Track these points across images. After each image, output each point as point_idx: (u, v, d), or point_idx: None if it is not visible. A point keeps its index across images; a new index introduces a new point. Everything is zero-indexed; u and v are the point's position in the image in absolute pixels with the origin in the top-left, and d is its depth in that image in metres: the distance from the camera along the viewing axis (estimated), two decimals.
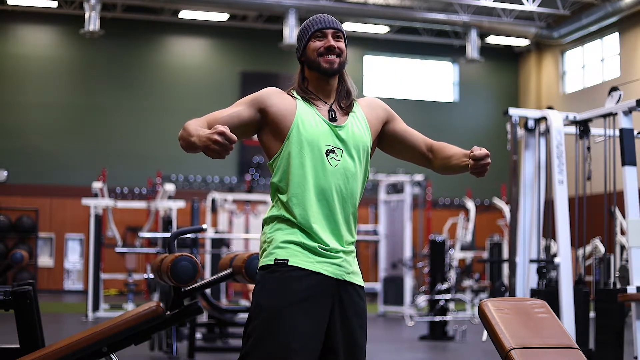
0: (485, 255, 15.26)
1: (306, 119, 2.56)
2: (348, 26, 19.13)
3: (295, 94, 2.63)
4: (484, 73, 21.09)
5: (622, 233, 11.39)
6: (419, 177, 13.19)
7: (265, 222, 2.59)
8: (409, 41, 19.98)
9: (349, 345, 2.54)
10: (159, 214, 13.18)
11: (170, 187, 12.61)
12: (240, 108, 2.59)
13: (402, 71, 20.79)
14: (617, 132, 5.91)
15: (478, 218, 16.30)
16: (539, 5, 17.58)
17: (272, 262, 2.49)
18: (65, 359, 3.06)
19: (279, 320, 2.44)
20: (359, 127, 2.62)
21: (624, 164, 5.74)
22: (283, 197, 2.55)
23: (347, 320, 2.54)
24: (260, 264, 2.55)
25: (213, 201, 14.31)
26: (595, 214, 7.03)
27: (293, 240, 2.50)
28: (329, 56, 2.59)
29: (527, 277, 6.52)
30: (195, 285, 3.31)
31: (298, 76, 2.67)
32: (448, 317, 9.61)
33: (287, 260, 2.48)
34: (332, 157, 2.55)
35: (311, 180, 2.52)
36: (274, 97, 2.60)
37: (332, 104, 2.63)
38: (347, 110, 2.63)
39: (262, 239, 2.58)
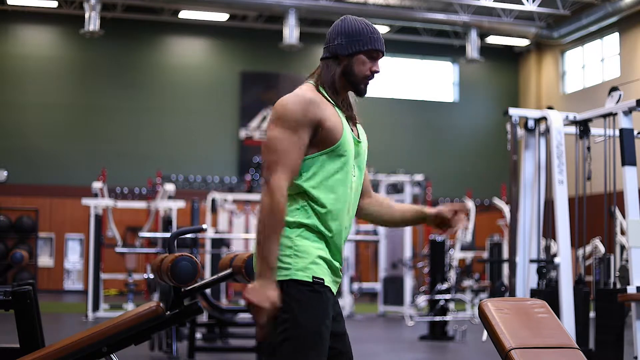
0: (485, 255, 15.26)
1: (347, 133, 2.49)
2: None
3: (328, 98, 2.52)
4: (484, 73, 21.09)
5: (622, 233, 11.40)
6: (419, 177, 13.19)
7: (288, 224, 2.42)
8: (409, 41, 20.00)
9: (347, 354, 2.55)
10: (159, 214, 13.18)
11: (170, 187, 12.61)
12: (302, 135, 2.43)
13: (402, 71, 20.79)
14: (617, 132, 5.91)
15: (478, 218, 16.29)
16: (539, 5, 17.58)
17: (311, 280, 2.39)
18: (65, 359, 3.06)
19: (317, 341, 2.38)
20: (365, 142, 2.60)
21: (624, 164, 5.74)
22: (319, 208, 2.43)
23: (343, 331, 2.55)
24: (290, 276, 2.39)
25: (213, 201, 14.31)
26: (595, 214, 7.03)
27: (325, 257, 2.44)
28: (370, 81, 2.55)
29: (527, 277, 6.52)
30: (195, 285, 3.30)
31: (333, 75, 2.53)
32: (448, 317, 9.61)
33: (323, 279, 2.41)
34: (354, 175, 2.52)
35: (346, 197, 2.48)
36: (324, 109, 2.47)
37: (347, 115, 2.56)
38: (354, 122, 2.58)
39: (285, 242, 2.40)
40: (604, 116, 6.11)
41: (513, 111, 6.67)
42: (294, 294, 2.37)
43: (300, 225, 2.42)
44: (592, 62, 19.05)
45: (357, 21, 2.54)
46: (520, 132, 6.88)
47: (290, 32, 16.87)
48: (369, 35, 2.51)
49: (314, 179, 2.44)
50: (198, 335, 7.80)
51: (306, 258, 2.40)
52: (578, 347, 2.75)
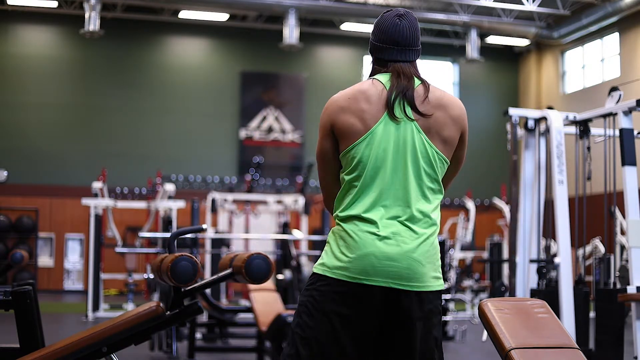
0: (485, 255, 15.26)
1: None
2: (348, 26, 19.14)
3: None
4: (484, 73, 21.09)
5: (622, 233, 11.40)
6: None
7: (434, 232, 2.48)
8: None
9: None
10: (159, 214, 13.18)
11: (170, 187, 12.61)
12: None
13: None
14: (617, 132, 5.91)
15: (478, 218, 16.30)
16: (539, 5, 17.58)
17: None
18: (65, 359, 3.06)
19: None
20: None
21: (624, 164, 5.74)
22: None
23: None
24: (440, 286, 2.48)
25: (213, 201, 14.31)
26: (595, 214, 7.03)
27: None
28: None
29: (527, 277, 6.52)
30: (195, 285, 3.30)
31: None
32: (448, 317, 9.61)
33: None
34: None
35: None
36: None
37: None
38: None
39: (436, 244, 2.47)
40: (604, 116, 6.11)
41: (513, 111, 6.68)
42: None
43: None
44: (592, 62, 19.04)
45: None
46: (520, 132, 6.88)
47: (290, 32, 16.86)
48: None
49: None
50: (198, 335, 7.80)
51: None
52: (578, 347, 2.75)
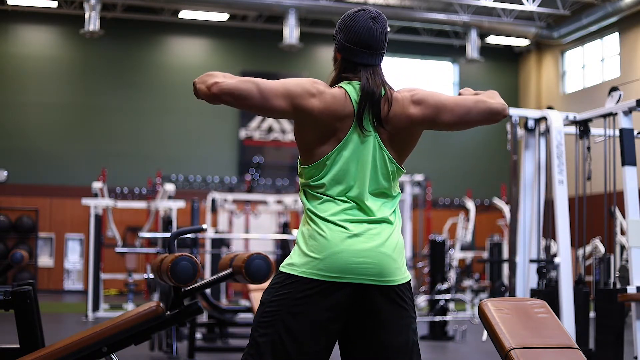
0: (485, 255, 15.26)
1: None
2: None
3: None
4: (484, 73, 21.09)
5: (622, 233, 11.40)
6: (419, 177, 13.20)
7: (397, 228, 2.58)
8: (409, 41, 20.00)
9: None
10: (159, 214, 13.18)
11: (170, 187, 12.61)
12: None
13: (402, 71, 20.80)
14: (617, 132, 5.91)
15: (478, 218, 16.29)
16: (539, 5, 17.58)
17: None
18: (65, 359, 3.06)
19: None
20: None
21: (624, 164, 5.75)
22: None
23: None
24: (408, 277, 2.52)
25: (213, 201, 14.32)
26: (595, 214, 7.04)
27: None
28: None
29: (527, 277, 6.52)
30: (195, 285, 3.31)
31: None
32: (448, 317, 9.61)
33: None
34: None
35: None
36: None
37: None
38: None
39: (401, 239, 2.55)
40: (604, 116, 6.12)
41: (513, 111, 6.68)
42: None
43: None
44: (592, 62, 19.04)
45: None
46: (520, 132, 6.89)
47: (290, 32, 16.86)
48: None
49: None
50: (198, 335, 7.80)
51: None
52: (578, 347, 2.75)
